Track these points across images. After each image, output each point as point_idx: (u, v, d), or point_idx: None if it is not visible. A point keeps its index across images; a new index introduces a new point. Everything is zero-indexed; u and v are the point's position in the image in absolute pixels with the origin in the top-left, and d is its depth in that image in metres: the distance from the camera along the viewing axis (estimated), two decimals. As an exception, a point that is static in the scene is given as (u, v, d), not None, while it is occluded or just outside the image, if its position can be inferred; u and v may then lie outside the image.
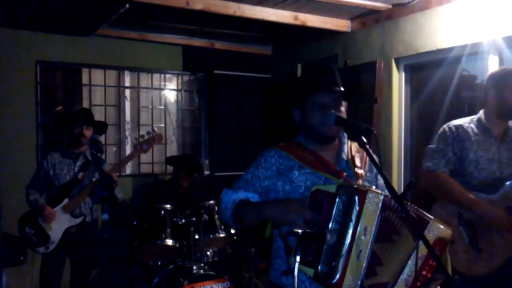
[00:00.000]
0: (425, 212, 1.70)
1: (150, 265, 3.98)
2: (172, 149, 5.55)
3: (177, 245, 3.82)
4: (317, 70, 1.95)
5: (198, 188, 4.69)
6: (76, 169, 3.69)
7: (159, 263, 3.94)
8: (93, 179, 3.60)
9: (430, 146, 2.69)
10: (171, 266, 3.82)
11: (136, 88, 5.35)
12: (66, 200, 3.60)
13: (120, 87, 5.29)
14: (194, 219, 3.78)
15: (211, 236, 3.86)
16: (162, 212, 3.88)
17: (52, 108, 4.99)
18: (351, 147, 2.00)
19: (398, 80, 4.03)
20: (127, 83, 5.34)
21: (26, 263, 4.23)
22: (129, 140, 5.27)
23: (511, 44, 3.20)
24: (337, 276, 1.58)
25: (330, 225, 1.62)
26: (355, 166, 1.94)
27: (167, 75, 5.54)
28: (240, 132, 5.46)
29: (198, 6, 3.70)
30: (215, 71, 5.37)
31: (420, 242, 1.58)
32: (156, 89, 5.47)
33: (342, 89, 1.92)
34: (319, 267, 1.59)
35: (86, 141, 3.65)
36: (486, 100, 2.65)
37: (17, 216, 3.69)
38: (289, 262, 1.67)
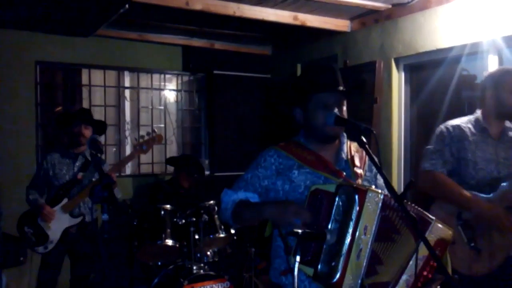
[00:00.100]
0: (426, 213, 1.70)
1: (150, 265, 3.98)
2: (172, 149, 5.55)
3: (177, 245, 3.82)
4: (320, 69, 1.95)
5: (198, 188, 4.69)
6: (76, 169, 3.70)
7: (159, 263, 3.94)
8: (93, 179, 3.60)
9: (428, 146, 2.69)
10: (171, 266, 3.82)
11: (136, 89, 5.35)
12: (65, 200, 3.60)
13: (120, 88, 5.29)
14: (194, 219, 3.78)
15: (211, 236, 3.86)
16: (162, 212, 3.88)
17: (52, 109, 4.99)
18: (350, 147, 2.00)
19: (398, 80, 4.03)
20: (127, 84, 5.34)
21: (26, 264, 4.22)
22: (129, 140, 5.28)
23: (511, 43, 3.21)
24: (337, 276, 1.58)
25: (329, 225, 1.63)
26: (354, 165, 1.95)
27: (167, 76, 5.54)
28: (240, 132, 5.46)
29: (197, 6, 3.70)
30: (215, 71, 5.38)
31: (422, 244, 1.58)
32: (156, 89, 5.47)
33: (343, 88, 1.92)
34: (319, 267, 1.60)
35: (85, 141, 3.67)
36: (484, 100, 2.65)
37: (17, 217, 3.69)
38: (289, 261, 1.67)
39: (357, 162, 1.96)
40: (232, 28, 4.69)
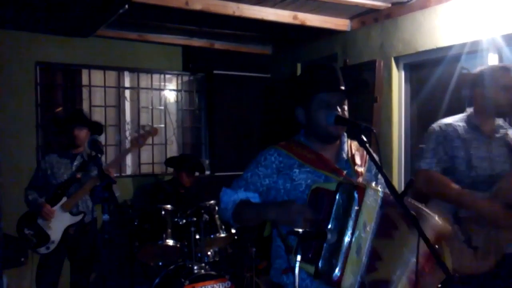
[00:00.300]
0: (423, 207, 1.70)
1: (151, 266, 3.98)
2: (172, 150, 5.55)
3: (178, 245, 3.83)
4: (322, 69, 1.95)
5: (199, 188, 4.69)
6: (74, 168, 3.71)
7: (160, 263, 3.94)
8: (91, 176, 3.61)
9: (421, 145, 2.69)
10: (172, 266, 3.82)
11: (136, 89, 5.35)
12: (64, 199, 3.61)
13: (120, 88, 5.29)
14: (195, 219, 3.79)
15: (212, 236, 3.86)
16: (163, 212, 3.89)
17: (52, 109, 4.99)
18: (351, 146, 2.01)
19: (398, 79, 4.03)
20: (127, 84, 5.34)
21: (27, 264, 4.23)
22: (129, 140, 5.28)
23: (511, 42, 3.21)
24: (338, 273, 1.58)
25: (330, 223, 1.63)
26: (355, 164, 1.95)
27: (167, 76, 5.54)
28: (240, 131, 5.46)
29: (197, 6, 3.70)
30: (215, 71, 5.38)
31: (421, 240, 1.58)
32: (156, 89, 5.47)
33: (345, 88, 1.93)
34: (320, 264, 1.60)
35: (81, 143, 3.70)
36: (475, 98, 2.65)
37: (17, 217, 3.69)
38: (290, 260, 1.67)
39: (357, 160, 1.97)
40: (232, 27, 4.69)
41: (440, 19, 3.54)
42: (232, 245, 4.19)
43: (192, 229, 3.75)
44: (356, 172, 1.93)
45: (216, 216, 3.90)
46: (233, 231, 4.00)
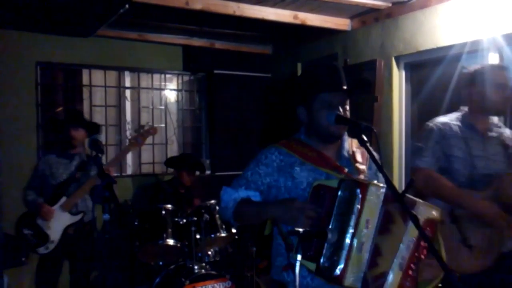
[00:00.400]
0: (410, 196, 1.70)
1: (152, 265, 3.98)
2: (173, 149, 5.55)
3: (179, 245, 3.82)
4: (325, 69, 1.95)
5: (199, 188, 4.69)
6: (73, 168, 3.70)
7: (161, 263, 3.94)
8: (90, 175, 3.60)
9: (417, 144, 2.68)
10: (172, 266, 3.82)
11: (136, 89, 5.35)
12: (64, 198, 3.61)
13: (120, 88, 5.29)
14: (195, 218, 3.79)
15: (212, 235, 3.86)
16: (163, 212, 3.88)
17: (52, 109, 4.99)
18: (351, 144, 2.02)
19: (399, 78, 4.03)
20: (128, 84, 5.34)
21: (28, 264, 4.23)
22: (128, 140, 5.28)
23: (511, 41, 3.20)
24: (340, 269, 1.58)
25: (332, 220, 1.64)
26: (356, 162, 1.96)
27: (167, 75, 5.54)
28: (240, 131, 5.46)
29: (197, 6, 3.70)
30: (215, 71, 5.38)
31: (411, 226, 1.60)
32: (156, 89, 5.47)
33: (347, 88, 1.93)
34: (321, 261, 1.60)
35: (78, 143, 3.70)
36: (469, 96, 2.65)
37: (18, 217, 3.69)
38: (291, 258, 1.67)
39: (358, 158, 1.98)
40: (232, 27, 4.69)
41: (440, 18, 3.54)
42: (233, 244, 4.19)
43: (193, 228, 3.75)
44: (358, 169, 1.93)
45: (217, 215, 3.89)
46: (234, 230, 4.00)
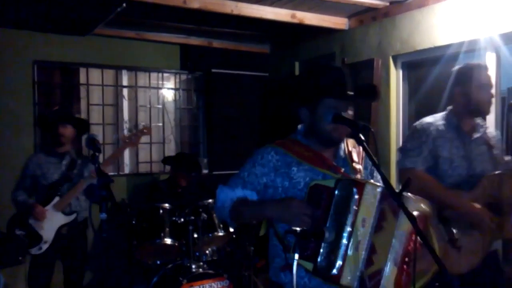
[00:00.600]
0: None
1: (149, 264, 3.98)
2: (170, 148, 5.55)
3: (176, 244, 3.82)
4: (331, 72, 1.93)
5: (197, 187, 4.69)
6: (63, 167, 3.65)
7: (158, 262, 3.93)
8: (84, 176, 3.58)
9: (405, 144, 2.69)
10: (170, 265, 3.81)
11: (134, 87, 5.34)
12: (57, 198, 3.56)
13: (118, 87, 5.28)
14: (193, 218, 3.78)
15: (210, 234, 3.86)
16: (161, 211, 3.88)
17: (49, 108, 4.98)
18: (347, 143, 2.01)
19: (396, 78, 4.03)
20: (125, 82, 5.33)
21: (25, 263, 4.21)
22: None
23: (508, 41, 3.21)
24: (336, 269, 1.59)
25: (329, 219, 1.64)
26: (352, 161, 1.96)
27: (165, 74, 5.54)
28: (238, 130, 5.46)
29: (195, 4, 3.70)
30: (213, 70, 5.37)
31: (401, 220, 1.59)
32: (154, 88, 5.46)
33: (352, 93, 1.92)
34: (318, 260, 1.60)
35: (66, 140, 3.64)
36: (453, 97, 2.65)
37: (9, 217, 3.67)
38: (288, 258, 1.68)
39: (355, 157, 1.98)
40: (230, 26, 4.68)
41: (438, 17, 3.55)
42: (230, 243, 4.19)
43: (190, 227, 3.74)
44: (354, 169, 1.93)
45: (214, 215, 3.89)
46: (231, 230, 3.99)
